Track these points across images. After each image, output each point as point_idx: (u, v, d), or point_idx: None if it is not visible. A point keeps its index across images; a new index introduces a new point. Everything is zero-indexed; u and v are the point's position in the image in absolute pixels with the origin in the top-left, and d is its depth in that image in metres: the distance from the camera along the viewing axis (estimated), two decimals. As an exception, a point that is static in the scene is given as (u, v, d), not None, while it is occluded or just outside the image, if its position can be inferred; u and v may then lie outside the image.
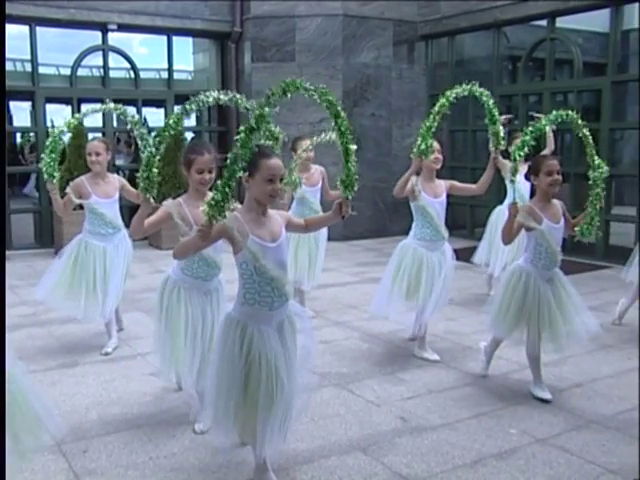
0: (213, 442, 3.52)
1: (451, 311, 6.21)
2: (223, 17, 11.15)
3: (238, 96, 3.54)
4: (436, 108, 4.83)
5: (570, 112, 4.40)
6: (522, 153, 4.24)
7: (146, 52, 14.38)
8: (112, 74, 11.13)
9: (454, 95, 4.80)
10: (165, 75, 11.53)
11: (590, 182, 4.52)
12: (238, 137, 2.88)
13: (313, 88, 3.00)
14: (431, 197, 5.08)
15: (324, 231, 6.35)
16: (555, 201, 4.45)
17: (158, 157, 3.60)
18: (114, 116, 11.03)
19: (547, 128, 6.76)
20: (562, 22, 10.27)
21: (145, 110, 12.07)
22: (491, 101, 4.95)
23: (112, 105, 5.10)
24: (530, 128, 4.27)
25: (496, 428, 4.03)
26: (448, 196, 5.21)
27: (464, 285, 7.45)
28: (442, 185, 5.16)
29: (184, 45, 12.57)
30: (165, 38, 11.18)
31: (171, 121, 3.51)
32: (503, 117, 6.53)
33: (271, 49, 10.80)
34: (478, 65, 12.23)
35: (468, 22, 10.71)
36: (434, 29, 11.23)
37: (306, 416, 4.03)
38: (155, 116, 12.58)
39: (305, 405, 3.52)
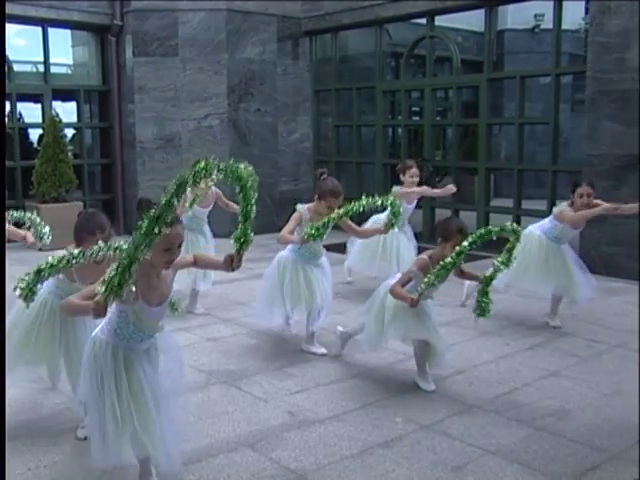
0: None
1: (337, 304, 6.26)
2: (102, 9, 10.77)
3: None
4: (342, 210, 4.86)
5: (513, 226, 4.34)
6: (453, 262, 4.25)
7: (23, 43, 13.74)
8: (-18, 66, 10.56)
9: (364, 203, 4.85)
10: (42, 68, 11.05)
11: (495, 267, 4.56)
12: (141, 224, 2.70)
13: (223, 168, 2.82)
14: None
15: (208, 232, 6.43)
16: None
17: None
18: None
19: (451, 186, 7.10)
20: (441, 21, 10.59)
21: (20, 105, 11.48)
22: (400, 208, 5.08)
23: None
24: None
25: (382, 417, 4.12)
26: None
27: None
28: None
29: (62, 37, 12.08)
30: (40, 29, 10.70)
31: (49, 262, 3.37)
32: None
33: (153, 43, 10.56)
34: (362, 61, 12.43)
35: (350, 19, 10.84)
36: (317, 25, 11.31)
37: (194, 415, 4.00)
38: (34, 111, 11.98)
39: (188, 404, 3.53)
